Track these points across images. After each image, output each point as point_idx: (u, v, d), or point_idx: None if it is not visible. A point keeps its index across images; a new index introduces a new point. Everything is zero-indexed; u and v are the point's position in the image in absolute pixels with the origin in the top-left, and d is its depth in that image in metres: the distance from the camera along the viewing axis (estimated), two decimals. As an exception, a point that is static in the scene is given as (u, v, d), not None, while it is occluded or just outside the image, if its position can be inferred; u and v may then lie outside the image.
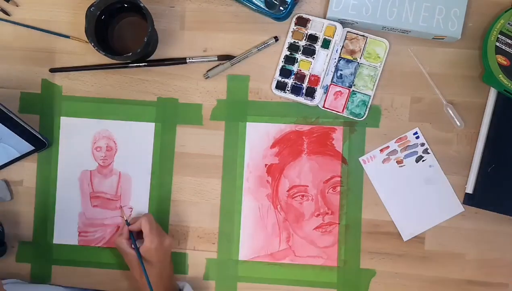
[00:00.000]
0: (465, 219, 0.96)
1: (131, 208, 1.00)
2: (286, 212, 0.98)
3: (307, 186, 0.98)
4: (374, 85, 0.96)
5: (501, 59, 0.91)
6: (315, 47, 0.96)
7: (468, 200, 0.95)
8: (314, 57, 0.96)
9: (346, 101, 0.97)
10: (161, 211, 1.00)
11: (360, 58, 0.97)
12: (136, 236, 0.93)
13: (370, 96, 0.96)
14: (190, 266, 0.99)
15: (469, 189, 0.95)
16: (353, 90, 0.97)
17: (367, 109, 0.96)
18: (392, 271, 0.97)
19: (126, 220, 0.95)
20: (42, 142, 0.98)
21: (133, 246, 0.92)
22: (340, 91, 0.97)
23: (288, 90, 0.97)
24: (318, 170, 0.98)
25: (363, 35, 0.97)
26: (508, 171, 0.94)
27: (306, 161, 0.98)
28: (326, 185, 0.98)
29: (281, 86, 0.97)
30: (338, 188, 0.98)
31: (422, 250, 0.97)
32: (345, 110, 0.97)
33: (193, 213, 0.99)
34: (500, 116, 0.94)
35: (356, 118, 0.96)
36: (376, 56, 0.96)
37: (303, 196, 0.98)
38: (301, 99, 0.96)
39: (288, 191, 0.98)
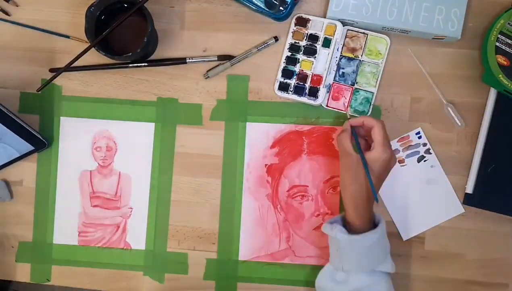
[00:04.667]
0: (465, 219, 0.96)
1: (131, 208, 1.00)
2: (286, 212, 0.98)
3: (307, 186, 0.98)
4: (376, 82, 0.96)
5: (501, 59, 0.91)
6: (316, 46, 0.96)
7: (468, 200, 0.95)
8: (315, 57, 0.96)
9: (349, 100, 0.97)
10: (161, 211, 1.00)
11: (362, 56, 0.97)
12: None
13: (373, 93, 0.96)
14: (190, 266, 0.99)
15: (469, 189, 0.95)
16: (356, 88, 0.97)
17: (371, 106, 0.96)
18: (392, 271, 0.97)
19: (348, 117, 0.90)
20: (42, 142, 0.98)
21: (356, 149, 0.86)
22: (343, 89, 0.97)
23: (291, 91, 0.97)
24: (318, 170, 0.98)
25: (363, 33, 0.97)
26: (508, 171, 0.94)
27: (306, 161, 0.98)
28: (326, 185, 0.98)
29: (283, 87, 0.97)
30: (338, 188, 0.97)
31: (422, 250, 0.97)
32: (348, 108, 0.97)
33: (193, 213, 0.99)
34: (500, 116, 0.94)
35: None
36: (377, 53, 0.96)
37: (303, 196, 0.98)
38: (304, 99, 0.96)
39: (288, 191, 0.98)
